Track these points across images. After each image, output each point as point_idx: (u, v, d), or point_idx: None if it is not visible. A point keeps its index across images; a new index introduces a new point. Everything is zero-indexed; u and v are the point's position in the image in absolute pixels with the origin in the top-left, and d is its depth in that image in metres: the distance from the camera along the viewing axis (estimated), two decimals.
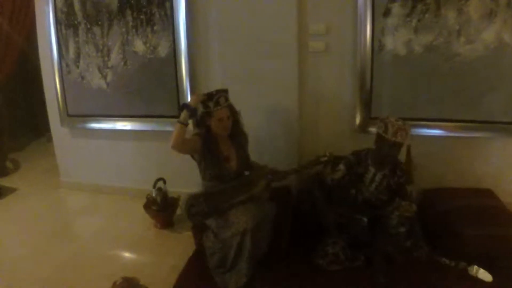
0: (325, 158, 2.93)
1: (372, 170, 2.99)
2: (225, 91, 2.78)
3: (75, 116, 4.27)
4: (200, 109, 2.78)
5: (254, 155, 3.08)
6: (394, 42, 3.37)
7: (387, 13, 3.33)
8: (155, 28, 3.78)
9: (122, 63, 3.95)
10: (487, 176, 3.56)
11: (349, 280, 2.75)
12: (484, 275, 2.71)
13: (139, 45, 3.86)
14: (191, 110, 2.69)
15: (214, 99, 2.71)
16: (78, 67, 4.11)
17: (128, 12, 3.83)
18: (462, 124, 3.46)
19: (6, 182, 4.94)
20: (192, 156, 2.87)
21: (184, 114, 2.69)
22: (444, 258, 2.87)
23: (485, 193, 3.39)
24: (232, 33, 3.57)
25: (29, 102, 5.52)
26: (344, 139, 3.49)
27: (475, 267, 2.74)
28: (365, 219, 2.95)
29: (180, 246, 3.30)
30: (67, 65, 4.16)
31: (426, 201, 3.46)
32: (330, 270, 2.85)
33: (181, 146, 2.72)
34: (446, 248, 2.94)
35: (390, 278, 2.72)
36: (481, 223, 2.94)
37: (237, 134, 2.92)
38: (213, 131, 2.80)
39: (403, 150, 2.92)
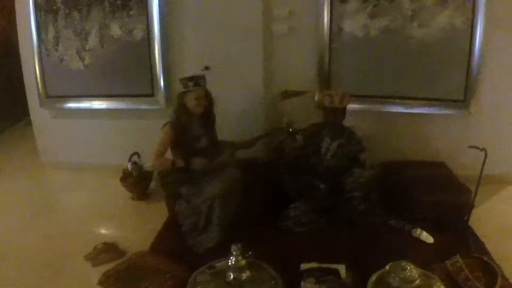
0: (284, 126, 3.23)
1: (327, 139, 3.23)
2: (202, 77, 3.07)
3: (54, 97, 4.38)
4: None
5: (223, 130, 3.30)
6: (352, 26, 3.60)
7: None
8: (130, 13, 3.93)
9: (99, 46, 4.09)
10: (441, 150, 3.81)
11: (311, 241, 2.98)
12: (426, 237, 2.94)
13: (115, 29, 4.01)
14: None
15: (194, 81, 3.01)
16: (57, 50, 4.23)
17: None
18: (418, 101, 3.70)
19: None
20: None
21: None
22: (394, 221, 3.11)
23: (439, 165, 3.65)
24: (203, 18, 3.80)
25: (6, 89, 5.48)
26: (307, 114, 3.65)
27: (418, 229, 2.98)
28: (322, 186, 3.16)
29: (155, 215, 3.46)
30: (46, 49, 4.25)
31: (385, 171, 3.65)
32: (295, 232, 3.08)
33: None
34: (402, 212, 3.19)
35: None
36: (432, 191, 3.18)
37: (208, 115, 3.18)
38: (189, 110, 3.05)
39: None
